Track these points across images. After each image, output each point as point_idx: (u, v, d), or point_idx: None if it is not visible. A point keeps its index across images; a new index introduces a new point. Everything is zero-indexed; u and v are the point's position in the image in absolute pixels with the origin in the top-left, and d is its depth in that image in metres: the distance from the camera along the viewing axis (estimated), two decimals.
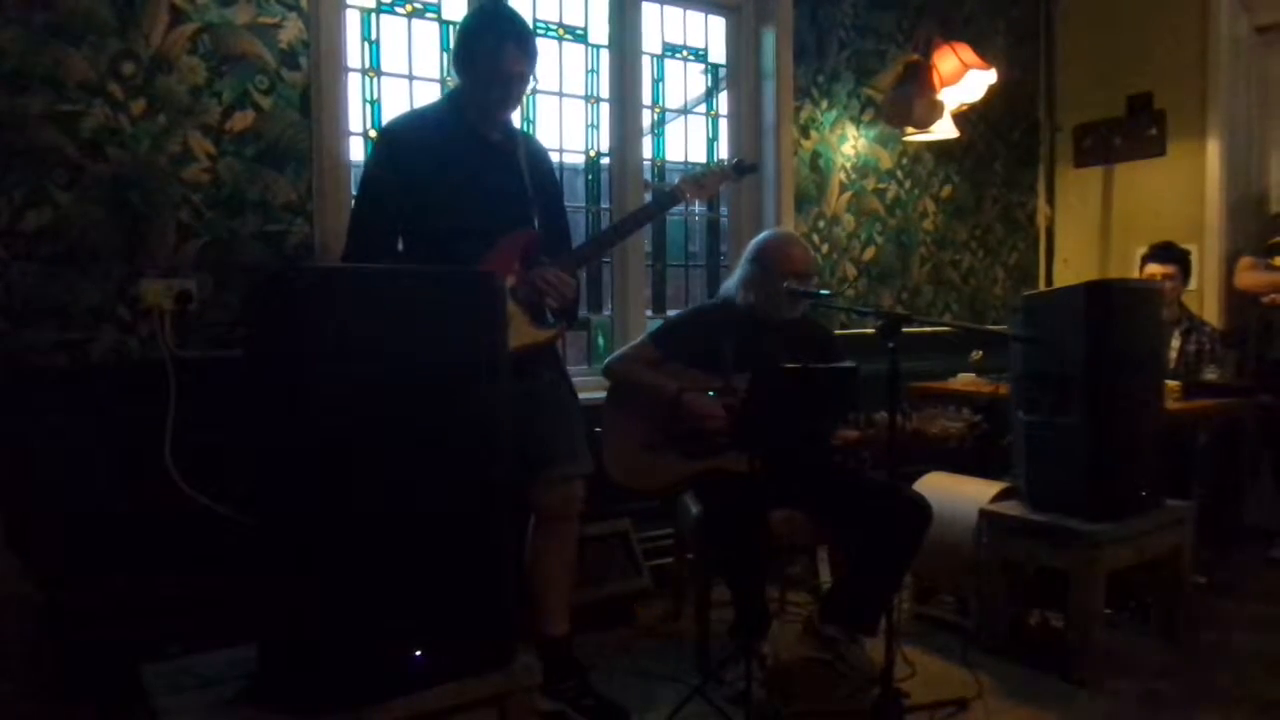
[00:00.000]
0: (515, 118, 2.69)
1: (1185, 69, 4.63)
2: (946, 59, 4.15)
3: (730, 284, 3.05)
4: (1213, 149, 4.56)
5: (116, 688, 2.34)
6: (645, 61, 3.80)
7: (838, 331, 3.86)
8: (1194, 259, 4.56)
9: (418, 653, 1.75)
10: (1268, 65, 4.67)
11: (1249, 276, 4.19)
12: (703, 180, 2.75)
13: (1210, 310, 4.57)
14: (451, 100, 2.60)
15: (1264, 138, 4.69)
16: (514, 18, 2.52)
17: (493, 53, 2.42)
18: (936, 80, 4.12)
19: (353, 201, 2.64)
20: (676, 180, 2.87)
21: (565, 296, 2.50)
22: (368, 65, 3.17)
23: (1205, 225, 4.60)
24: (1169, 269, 3.93)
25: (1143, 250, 4.57)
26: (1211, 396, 3.61)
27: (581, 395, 2.76)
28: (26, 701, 2.11)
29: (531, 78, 2.53)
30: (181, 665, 1.93)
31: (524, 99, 2.65)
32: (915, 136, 4.34)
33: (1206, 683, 2.78)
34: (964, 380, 3.94)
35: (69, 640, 2.42)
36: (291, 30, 2.85)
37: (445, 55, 3.33)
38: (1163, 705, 2.64)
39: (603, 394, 3.00)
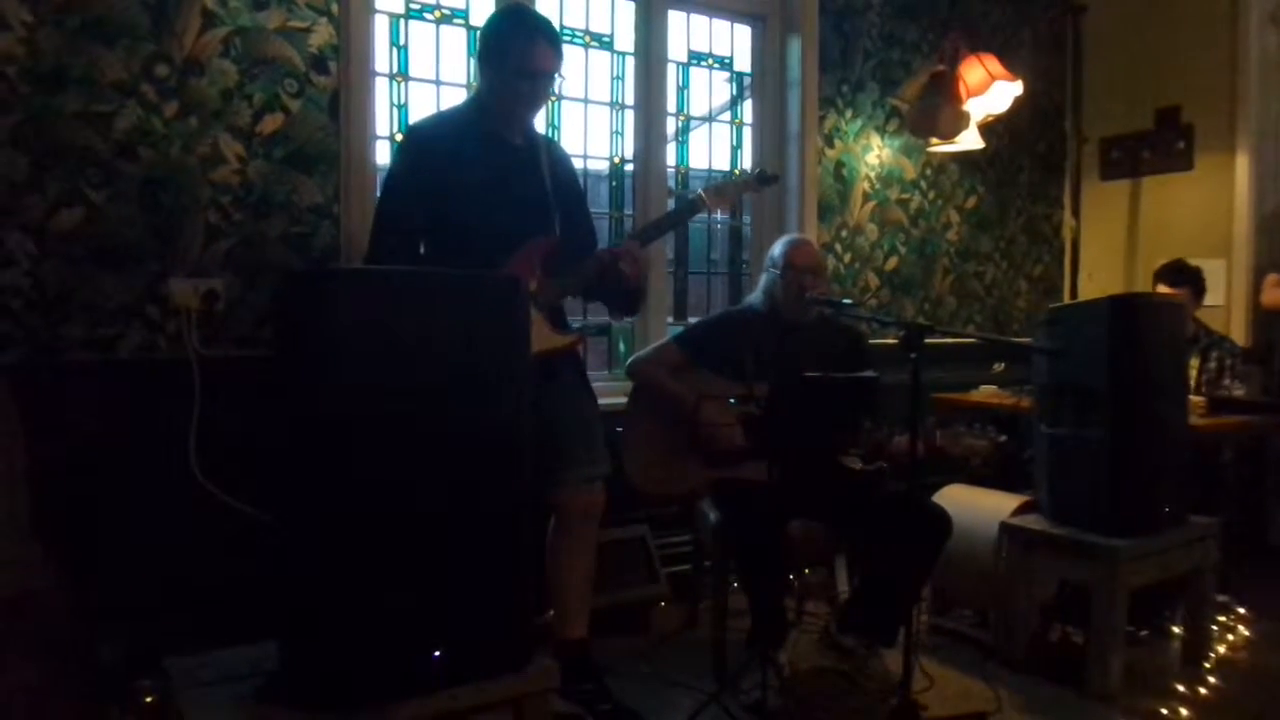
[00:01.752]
0: (539, 123, 2.71)
1: (1214, 83, 4.60)
2: (973, 70, 4.14)
3: (755, 292, 3.08)
4: (1241, 164, 4.53)
5: (144, 682, 2.36)
6: (671, 69, 3.81)
7: None
8: (1221, 275, 4.54)
9: (436, 653, 1.76)
10: None
11: (1275, 294, 4.16)
12: (724, 189, 2.76)
13: (1237, 326, 4.52)
14: (474, 104, 2.62)
15: None
16: (542, 17, 2.57)
17: (525, 50, 2.44)
18: (962, 91, 4.12)
19: (376, 203, 2.65)
20: (698, 188, 2.87)
21: (639, 274, 2.54)
22: (396, 70, 3.20)
23: (1233, 240, 4.56)
24: (1178, 292, 3.79)
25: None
26: (1237, 413, 3.58)
27: (602, 401, 2.77)
28: (51, 694, 2.13)
29: (558, 77, 2.55)
30: (204, 660, 1.95)
31: (548, 100, 2.65)
32: (940, 147, 4.33)
33: (1227, 702, 2.75)
34: (986, 392, 3.93)
35: (93, 634, 2.44)
36: (321, 35, 2.88)
37: (472, 61, 3.35)
38: None
39: (623, 399, 3.02)
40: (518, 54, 2.44)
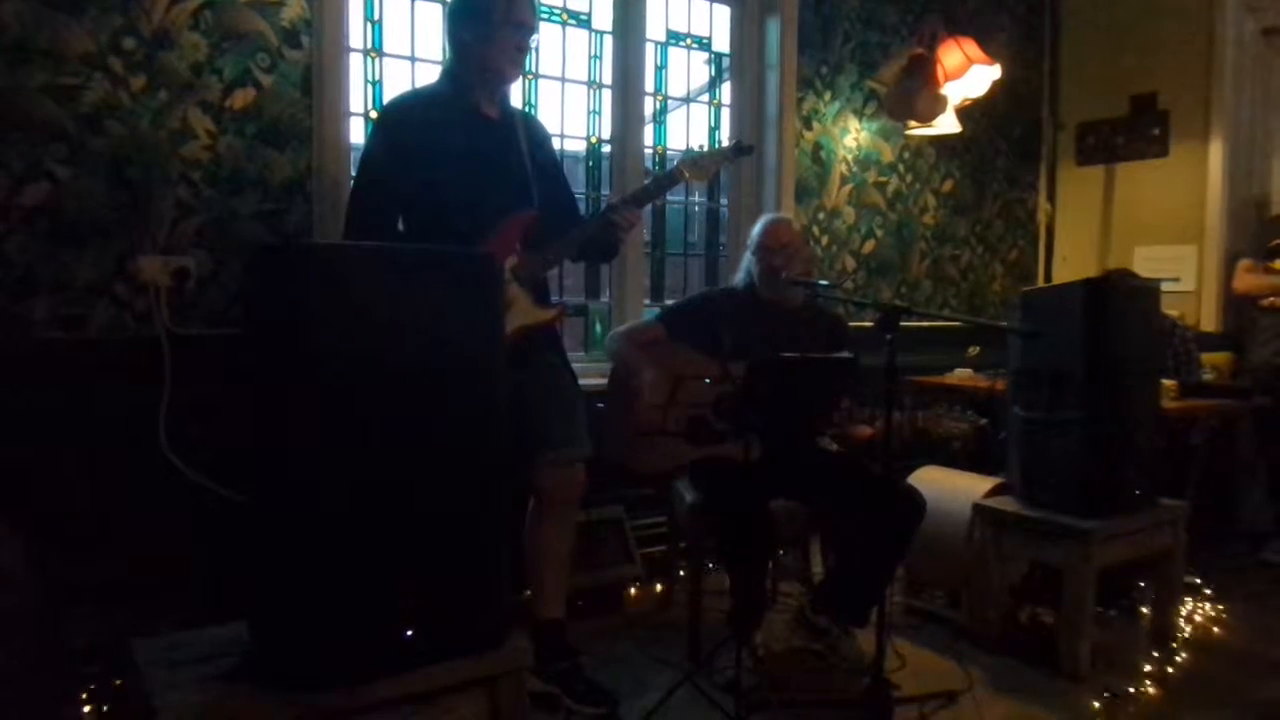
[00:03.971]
0: (516, 99, 2.68)
1: (1190, 70, 4.63)
2: (951, 53, 4.14)
3: (739, 272, 3.11)
4: (1215, 151, 4.57)
5: (111, 663, 2.34)
6: (649, 49, 3.79)
7: None
8: (1193, 260, 4.60)
9: (409, 632, 1.74)
10: (1272, 68, 4.67)
11: (1247, 279, 4.20)
12: (701, 161, 2.74)
13: (1208, 312, 4.57)
14: (449, 78, 2.59)
15: (1267, 141, 4.70)
16: None
17: (507, 5, 2.44)
18: (940, 74, 4.12)
19: (352, 181, 2.62)
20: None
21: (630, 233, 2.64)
22: (370, 45, 3.15)
23: (1206, 227, 4.60)
24: None
25: (1141, 249, 4.60)
26: (1208, 397, 3.62)
27: (579, 381, 2.76)
28: (23, 676, 2.11)
29: (533, 39, 2.55)
30: (174, 641, 1.92)
31: (526, 61, 2.64)
32: (917, 130, 4.33)
33: (1195, 682, 2.79)
34: (961, 375, 3.95)
35: (64, 616, 2.42)
36: (294, 9, 2.83)
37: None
38: (1151, 703, 2.65)
39: (601, 380, 3.01)
40: (498, 10, 2.43)
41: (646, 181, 2.83)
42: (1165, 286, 3.64)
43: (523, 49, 2.52)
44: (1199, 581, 3.50)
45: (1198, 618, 3.26)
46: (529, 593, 2.62)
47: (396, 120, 2.50)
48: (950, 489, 3.12)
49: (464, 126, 2.50)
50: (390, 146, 2.45)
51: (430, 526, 1.77)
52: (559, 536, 2.60)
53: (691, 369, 2.79)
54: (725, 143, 3.98)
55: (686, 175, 2.69)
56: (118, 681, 2.34)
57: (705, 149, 2.80)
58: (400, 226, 2.50)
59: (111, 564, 2.52)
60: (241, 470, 1.92)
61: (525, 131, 2.61)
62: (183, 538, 2.59)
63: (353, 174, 2.94)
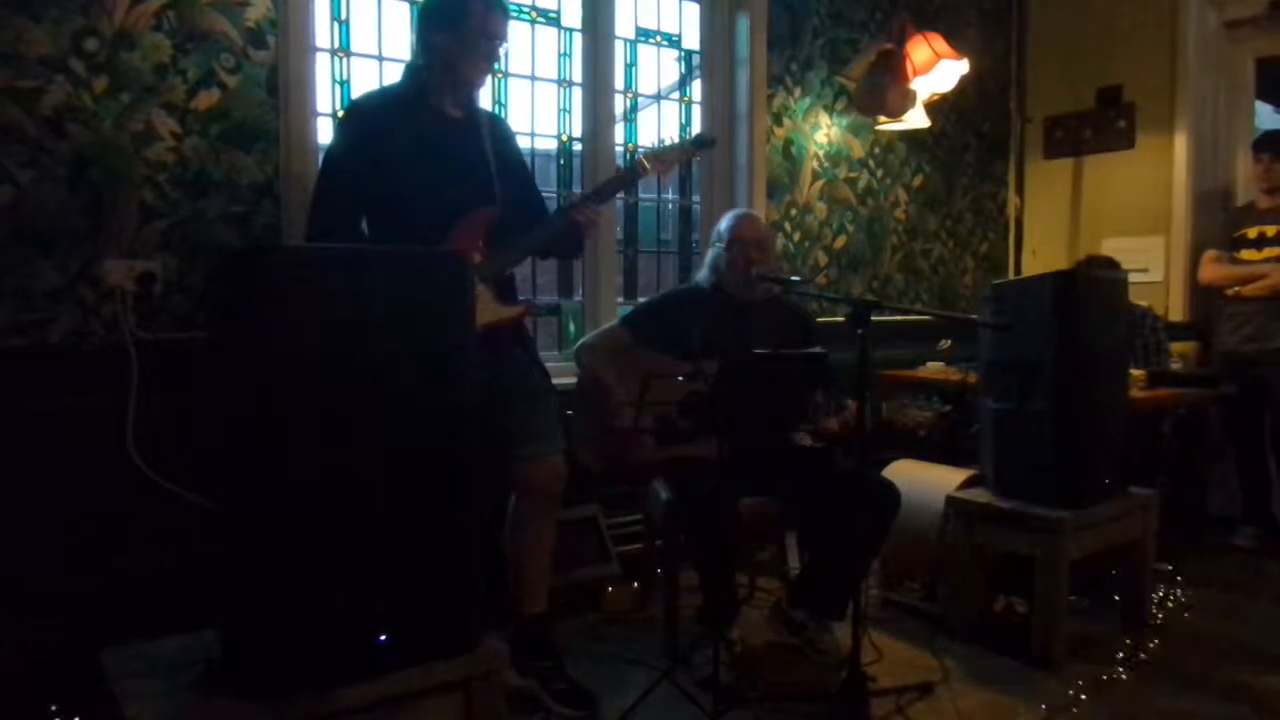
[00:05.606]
0: (484, 99, 2.67)
1: (1155, 63, 4.68)
2: (919, 48, 4.16)
3: (702, 269, 3.08)
4: (1180, 142, 4.62)
5: (79, 673, 2.31)
6: (618, 46, 3.78)
7: None
8: (1160, 251, 4.65)
9: (381, 636, 1.73)
10: (1235, 60, 4.73)
11: (1213, 270, 4.25)
12: (662, 154, 2.74)
13: (1176, 302, 4.63)
14: (413, 78, 2.57)
15: (1231, 132, 4.75)
16: None
17: (483, 14, 2.44)
18: (909, 69, 4.14)
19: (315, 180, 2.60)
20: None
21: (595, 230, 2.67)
22: (337, 45, 3.13)
23: (1172, 218, 4.66)
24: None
25: (1109, 240, 4.65)
26: (1176, 386, 3.66)
27: (553, 380, 2.75)
28: None
29: (503, 48, 2.56)
30: (143, 650, 1.90)
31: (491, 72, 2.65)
32: (887, 125, 4.35)
33: (1169, 668, 2.82)
34: (933, 369, 3.97)
35: (30, 626, 2.38)
36: (259, 9, 2.80)
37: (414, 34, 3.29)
38: (1125, 689, 2.68)
39: (573, 380, 3.00)
40: (479, 15, 2.43)
41: (609, 177, 2.83)
42: (1134, 278, 3.68)
43: (492, 58, 2.53)
44: (1170, 568, 3.54)
45: (1170, 604, 3.30)
46: (511, 591, 2.61)
47: (360, 119, 2.49)
48: (924, 482, 3.14)
49: (428, 126, 2.49)
50: (354, 145, 2.43)
51: (401, 528, 1.75)
52: (541, 531, 2.60)
53: (661, 367, 2.79)
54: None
55: (648, 168, 2.69)
56: (87, 691, 2.30)
57: (666, 143, 2.80)
58: (364, 226, 2.48)
59: (82, 573, 2.49)
60: (211, 476, 1.90)
61: (490, 131, 2.61)
62: (154, 545, 2.56)
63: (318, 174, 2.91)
